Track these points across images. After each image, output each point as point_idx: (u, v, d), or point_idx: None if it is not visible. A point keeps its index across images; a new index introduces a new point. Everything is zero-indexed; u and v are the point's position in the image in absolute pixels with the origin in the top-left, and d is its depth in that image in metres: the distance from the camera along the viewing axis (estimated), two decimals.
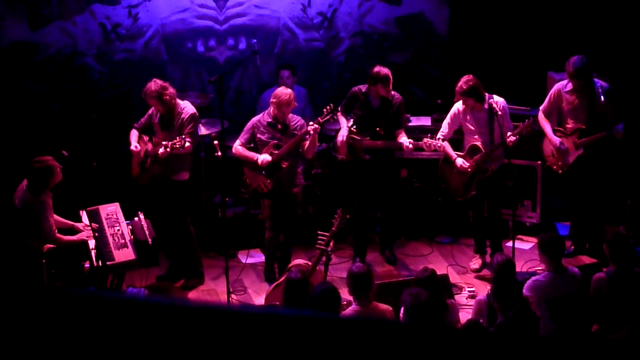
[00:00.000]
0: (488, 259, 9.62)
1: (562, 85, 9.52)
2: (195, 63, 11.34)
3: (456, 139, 9.68)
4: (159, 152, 8.84)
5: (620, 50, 11.06)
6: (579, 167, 9.49)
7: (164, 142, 8.81)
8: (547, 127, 9.53)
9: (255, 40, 10.52)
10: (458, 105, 9.39)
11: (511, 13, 11.50)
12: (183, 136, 8.76)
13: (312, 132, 8.87)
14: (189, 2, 11.17)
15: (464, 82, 9.14)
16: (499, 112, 9.08)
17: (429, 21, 11.79)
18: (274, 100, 8.98)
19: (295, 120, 9.12)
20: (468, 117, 9.33)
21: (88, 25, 10.89)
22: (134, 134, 9.21)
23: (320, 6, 11.52)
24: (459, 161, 9.35)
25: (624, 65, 10.90)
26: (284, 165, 9.03)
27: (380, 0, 11.63)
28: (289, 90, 9.10)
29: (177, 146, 8.74)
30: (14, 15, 10.62)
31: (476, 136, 9.33)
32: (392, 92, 9.46)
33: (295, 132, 9.06)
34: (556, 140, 9.45)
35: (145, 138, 9.19)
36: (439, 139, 9.39)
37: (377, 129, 9.43)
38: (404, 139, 9.30)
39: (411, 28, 11.77)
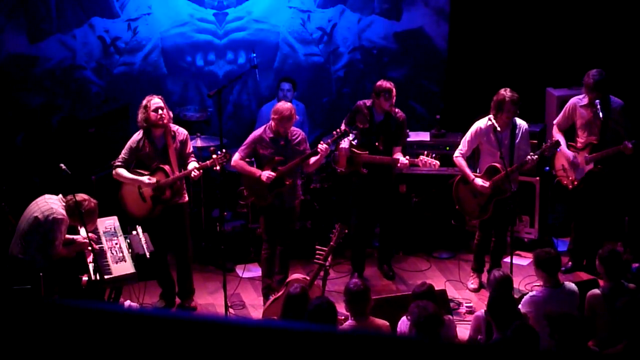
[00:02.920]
0: (484, 278, 9.59)
1: (578, 99, 9.49)
2: (194, 77, 11.35)
3: (446, 154, 9.68)
4: (192, 175, 8.67)
5: (620, 66, 11.07)
6: (589, 182, 9.45)
7: (197, 165, 8.66)
8: (561, 140, 9.50)
9: (254, 55, 10.51)
10: (480, 124, 9.26)
11: (510, 29, 11.52)
12: (224, 152, 8.67)
13: (321, 152, 8.91)
14: (188, 16, 11.18)
15: (511, 92, 9.01)
16: (522, 130, 9.14)
17: (429, 37, 11.81)
18: (276, 116, 8.94)
19: (295, 134, 9.13)
20: (491, 136, 9.16)
21: (87, 38, 10.90)
22: (124, 172, 8.84)
23: (320, 21, 11.54)
24: (479, 182, 9.24)
25: (623, 81, 10.91)
26: (287, 182, 9.01)
27: (379, 15, 11.66)
28: (289, 105, 9.11)
29: (224, 160, 8.68)
30: (13, 28, 10.62)
31: (495, 156, 9.18)
32: (396, 110, 9.47)
33: (297, 146, 9.07)
34: (569, 153, 9.42)
35: (146, 172, 8.84)
36: (457, 157, 9.35)
37: (376, 144, 9.44)
38: (400, 155, 9.31)
39: (410, 43, 11.78)
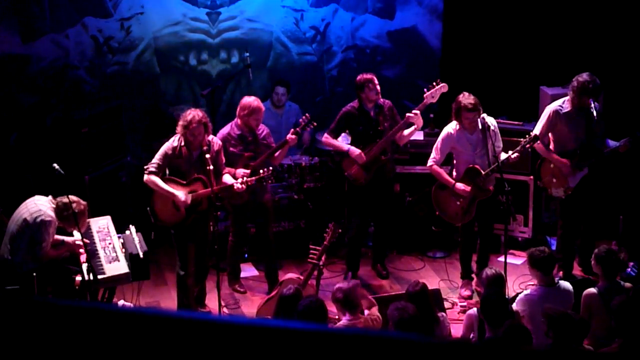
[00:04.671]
0: (474, 285, 9.54)
1: (559, 107, 9.22)
2: (187, 76, 11.34)
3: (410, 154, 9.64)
4: (236, 187, 8.54)
5: (613, 65, 11.08)
6: (582, 187, 9.35)
7: (246, 178, 8.60)
8: (547, 150, 9.33)
9: (247, 54, 10.51)
10: (449, 129, 9.12)
11: (503, 28, 11.53)
12: (270, 169, 8.64)
13: (290, 141, 9.05)
14: (181, 15, 11.17)
15: (467, 97, 8.85)
16: (492, 127, 8.98)
17: (422, 35, 11.81)
18: (245, 112, 9.04)
19: (261, 129, 9.23)
20: (463, 140, 9.06)
21: (80, 38, 10.88)
22: (159, 182, 8.52)
23: (313, 20, 11.54)
24: (460, 185, 9.10)
25: (619, 79, 10.92)
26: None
27: (373, 14, 11.66)
28: (253, 97, 9.18)
29: (271, 178, 8.68)
30: (6, 27, 10.60)
31: (471, 158, 9.08)
32: (381, 100, 9.41)
33: (264, 140, 9.18)
34: (565, 160, 9.24)
35: (182, 181, 8.60)
36: (431, 165, 9.21)
37: (379, 128, 9.38)
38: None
39: (404, 42, 11.79)
